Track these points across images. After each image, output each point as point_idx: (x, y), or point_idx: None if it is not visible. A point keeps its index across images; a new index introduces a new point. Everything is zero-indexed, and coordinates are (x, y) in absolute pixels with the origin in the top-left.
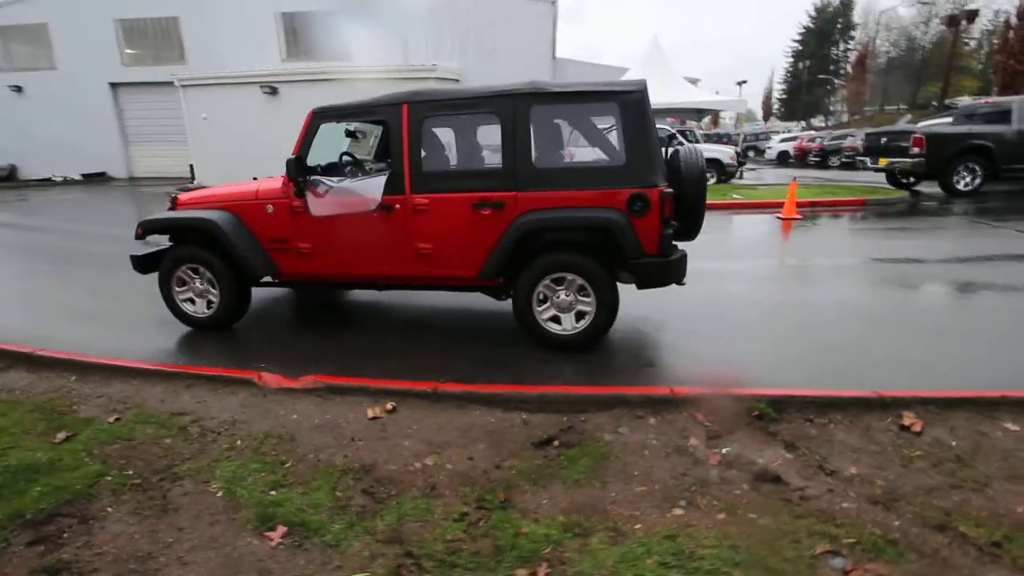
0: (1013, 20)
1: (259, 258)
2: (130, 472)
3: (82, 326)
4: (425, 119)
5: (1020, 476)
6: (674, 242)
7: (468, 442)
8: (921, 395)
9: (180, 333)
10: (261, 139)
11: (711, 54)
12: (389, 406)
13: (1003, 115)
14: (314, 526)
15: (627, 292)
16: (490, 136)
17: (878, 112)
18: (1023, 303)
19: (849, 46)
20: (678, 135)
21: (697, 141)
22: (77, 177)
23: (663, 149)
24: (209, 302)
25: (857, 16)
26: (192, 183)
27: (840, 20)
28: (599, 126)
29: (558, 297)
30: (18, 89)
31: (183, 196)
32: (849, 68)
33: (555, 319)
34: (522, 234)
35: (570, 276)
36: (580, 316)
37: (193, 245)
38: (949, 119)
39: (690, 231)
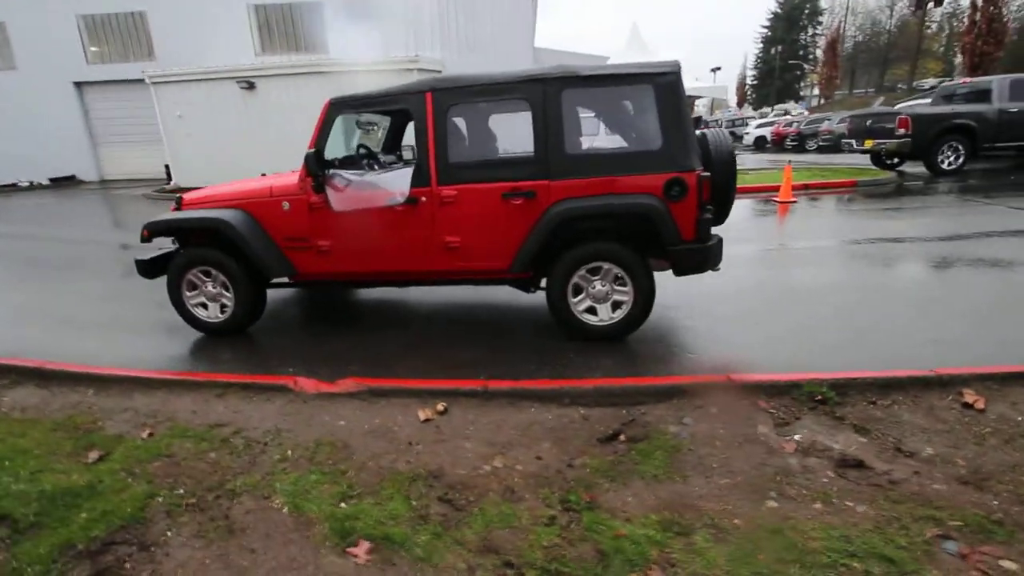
0: (979, 2)
1: (275, 258)
2: (181, 491)
3: (84, 336)
4: (450, 107)
5: None
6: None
7: (531, 441)
8: (978, 372)
9: (191, 340)
10: (240, 135)
11: (685, 41)
12: (440, 407)
13: (983, 95)
14: (399, 539)
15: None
16: (518, 123)
17: (847, 96)
18: (994, 276)
19: (817, 31)
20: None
21: None
22: (45, 182)
23: None
24: (223, 306)
25: (824, 1)
26: (168, 184)
27: (807, 5)
28: (632, 109)
29: (593, 287)
30: None
31: (188, 196)
32: (818, 53)
33: (590, 310)
34: (557, 224)
35: (607, 265)
36: (616, 306)
37: (204, 247)
38: (927, 100)
39: (720, 215)
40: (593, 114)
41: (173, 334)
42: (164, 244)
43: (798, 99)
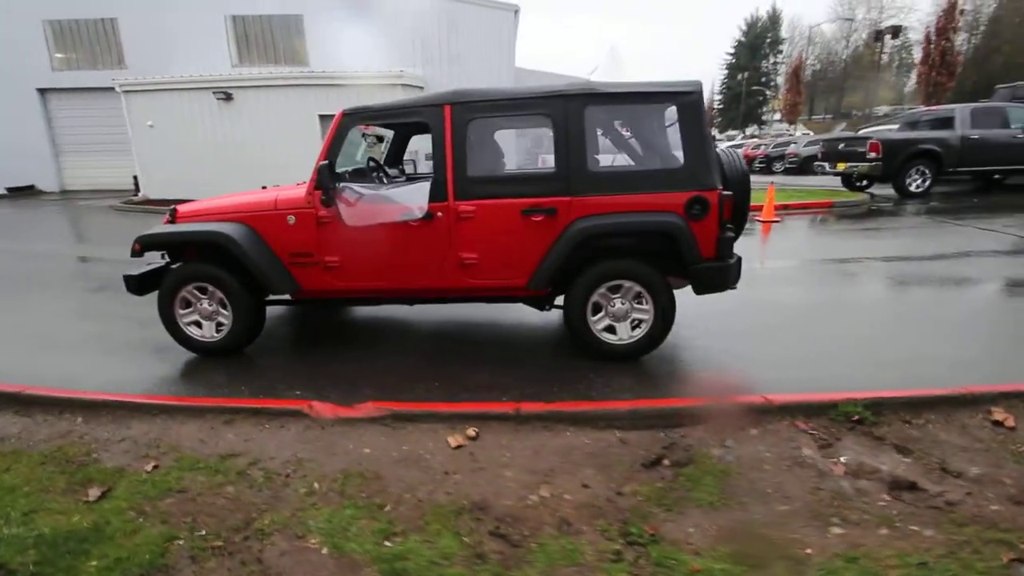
0: (933, 36)
1: (279, 274)
2: (203, 532)
3: (63, 357)
4: (470, 121)
5: None
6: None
7: (573, 467)
8: (1003, 389)
9: (181, 361)
10: (215, 147)
11: (658, 65)
12: (471, 432)
13: (946, 122)
14: None
15: None
16: (537, 138)
17: (807, 121)
18: (1006, 297)
19: (778, 59)
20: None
21: None
22: (1, 191)
23: None
24: (219, 325)
25: (784, 31)
26: (136, 195)
27: (769, 35)
28: (654, 127)
29: (613, 306)
30: None
31: (183, 208)
32: (779, 80)
33: (609, 328)
34: (579, 241)
35: (627, 283)
36: (636, 324)
37: (200, 261)
38: (894, 126)
39: (735, 233)
40: (608, 133)
41: (161, 355)
42: (149, 259)
43: (760, 124)
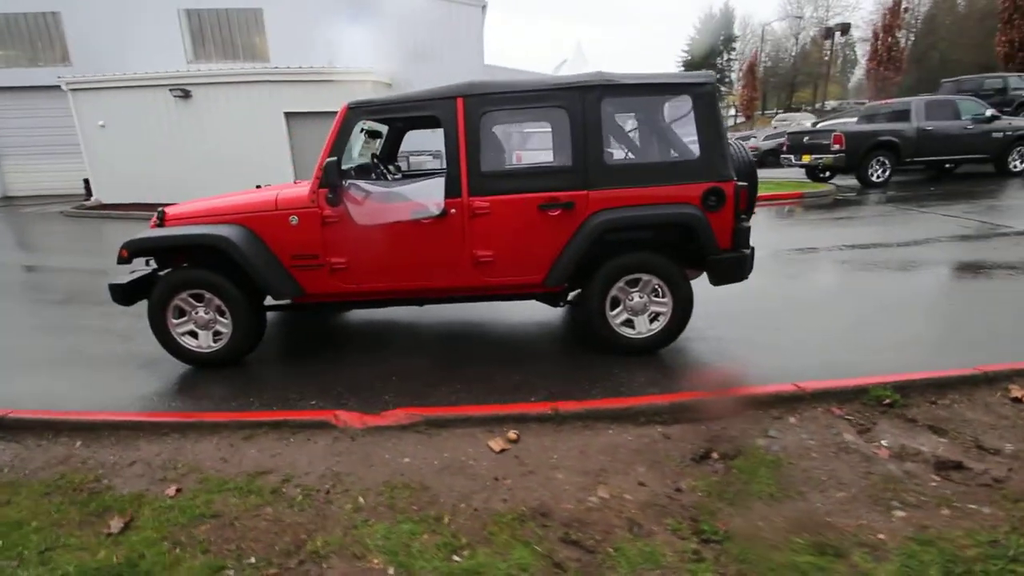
0: (880, 33)
1: (281, 278)
2: (253, 560)
3: (42, 376)
4: (484, 114)
5: None
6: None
7: (624, 466)
8: (1016, 367)
9: (175, 374)
10: (173, 147)
11: (619, 60)
12: (512, 435)
13: (903, 114)
14: None
15: None
16: (552, 131)
17: (761, 115)
18: (986, 280)
19: (731, 57)
20: None
21: None
22: None
23: None
24: (216, 334)
25: (736, 29)
26: (88, 200)
27: (722, 32)
28: (669, 119)
29: (631, 300)
30: None
31: (173, 210)
32: (733, 76)
33: (627, 323)
34: (598, 235)
35: (646, 277)
36: (654, 318)
37: (192, 267)
38: (853, 119)
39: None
40: (631, 123)
41: (152, 369)
42: (131, 267)
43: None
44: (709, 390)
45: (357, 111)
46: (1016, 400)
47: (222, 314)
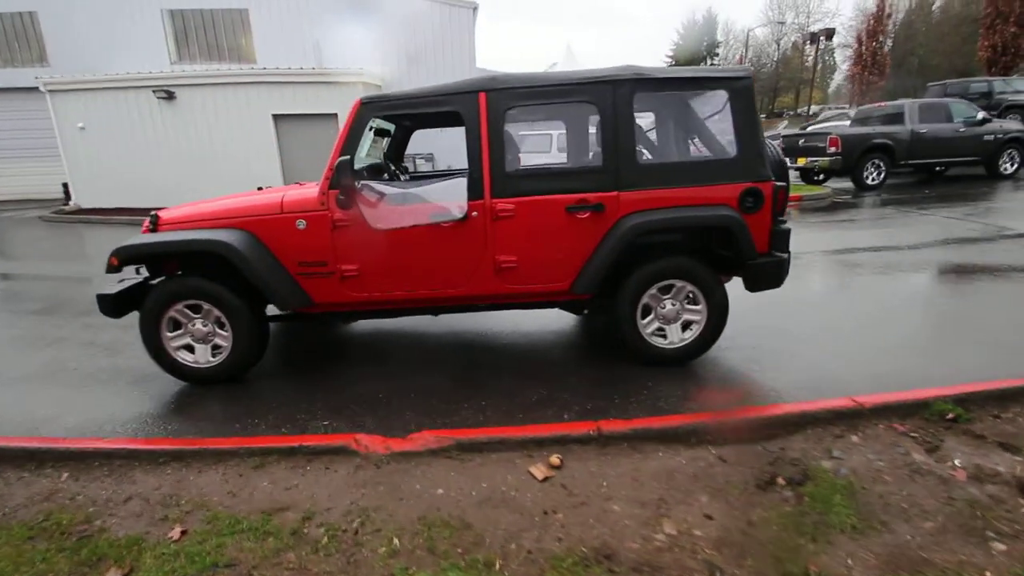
0: (864, 38)
1: (287, 287)
2: None
3: (22, 395)
4: (508, 110)
5: None
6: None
7: (684, 495)
8: None
9: (169, 392)
10: (156, 149)
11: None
12: (555, 460)
13: (897, 117)
14: None
15: None
16: (567, 129)
17: None
18: (1008, 283)
19: (714, 62)
20: None
21: None
22: None
23: None
24: (215, 348)
25: (720, 35)
26: (67, 204)
27: (706, 39)
28: (705, 116)
29: (663, 307)
30: None
31: (167, 214)
32: None
33: (659, 331)
34: (631, 239)
35: (679, 283)
36: (686, 326)
37: (188, 275)
38: (846, 122)
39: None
40: (665, 120)
41: (143, 386)
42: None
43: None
44: (761, 406)
45: (371, 106)
46: None
47: (221, 326)
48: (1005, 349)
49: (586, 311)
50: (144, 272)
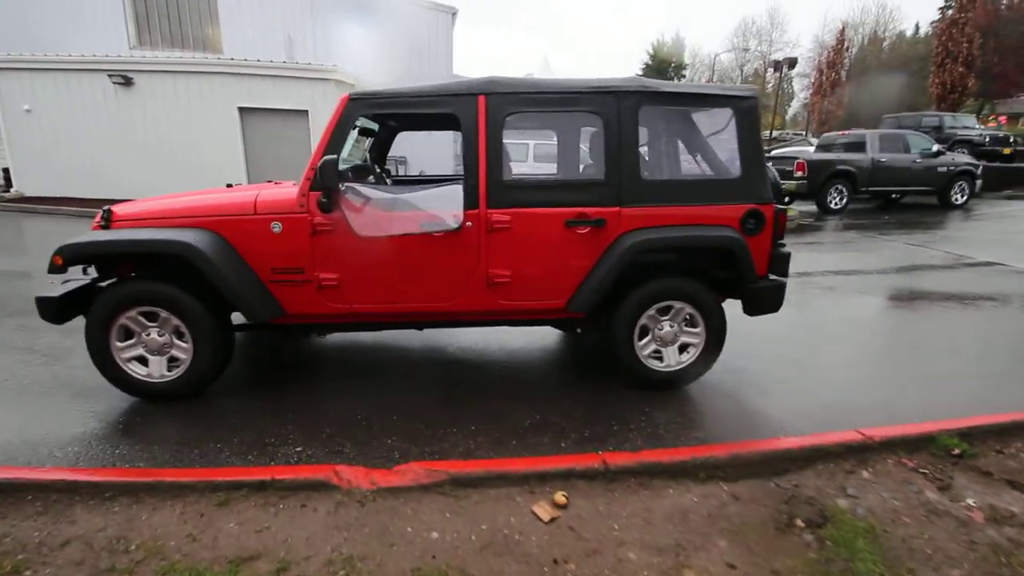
0: (824, 68)
1: (258, 296)
2: None
3: None
4: (508, 115)
5: None
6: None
7: (701, 539)
8: None
9: (117, 409)
10: (111, 138)
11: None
12: (561, 498)
13: (859, 146)
14: None
15: None
16: (575, 140)
17: None
18: (976, 311)
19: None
20: None
21: None
22: None
23: None
24: (172, 360)
25: (687, 57)
26: (8, 192)
27: (673, 60)
28: (709, 133)
29: (661, 329)
30: None
31: (122, 210)
32: None
33: (655, 354)
34: (633, 257)
35: (678, 304)
36: (683, 349)
37: (145, 278)
38: (810, 148)
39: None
40: (668, 136)
41: (87, 401)
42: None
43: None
44: (771, 439)
45: (359, 103)
46: None
47: (180, 336)
48: (993, 377)
49: (579, 330)
50: (93, 273)
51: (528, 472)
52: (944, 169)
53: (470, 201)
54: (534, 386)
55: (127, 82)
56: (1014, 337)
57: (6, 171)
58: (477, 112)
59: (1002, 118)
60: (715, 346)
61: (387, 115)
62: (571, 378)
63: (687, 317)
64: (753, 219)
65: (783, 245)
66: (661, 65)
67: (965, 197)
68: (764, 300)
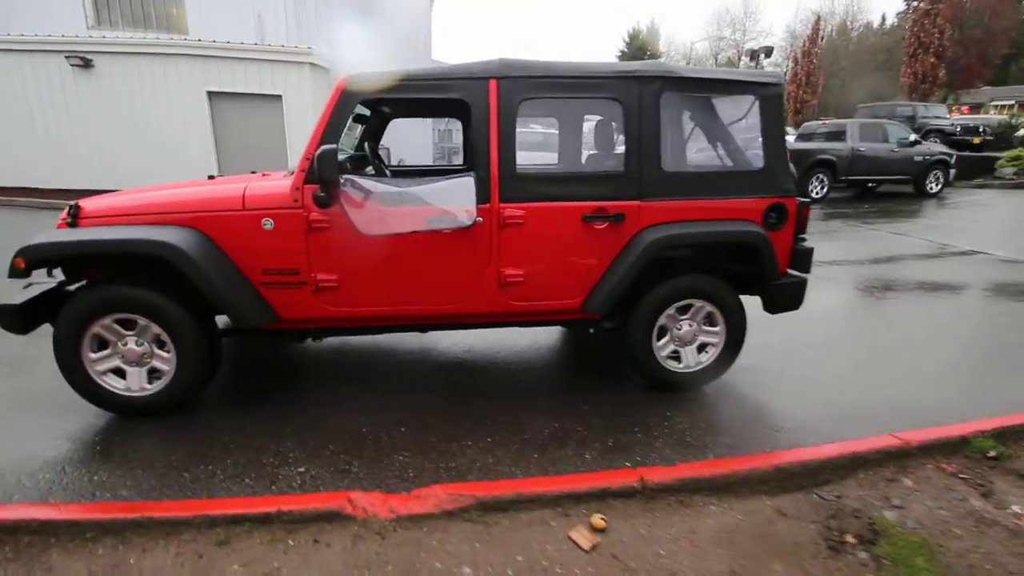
0: (799, 58)
1: (248, 299)
2: None
3: None
4: (522, 101)
5: None
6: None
7: (754, 563)
8: None
9: (93, 426)
10: (69, 125)
11: None
12: (599, 521)
13: (839, 135)
14: None
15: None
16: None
17: None
18: (969, 300)
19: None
20: None
21: None
22: None
23: None
24: (153, 371)
25: (662, 46)
26: None
27: (648, 50)
28: (731, 121)
29: (680, 328)
30: None
31: (90, 205)
32: None
33: (673, 354)
34: (653, 254)
35: (699, 303)
36: (701, 348)
37: (114, 281)
38: (791, 137)
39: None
40: (690, 124)
41: (59, 417)
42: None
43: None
44: (808, 448)
45: (358, 88)
46: None
47: (161, 345)
48: (1012, 371)
49: (592, 329)
50: (59, 275)
51: (561, 493)
52: (920, 158)
53: (481, 195)
54: (546, 390)
55: (86, 64)
56: (1013, 330)
57: None
58: (488, 97)
59: (965, 108)
60: (735, 345)
61: (386, 100)
62: (583, 380)
63: (707, 316)
64: (776, 213)
65: (804, 240)
66: (637, 53)
67: (940, 185)
68: (786, 297)
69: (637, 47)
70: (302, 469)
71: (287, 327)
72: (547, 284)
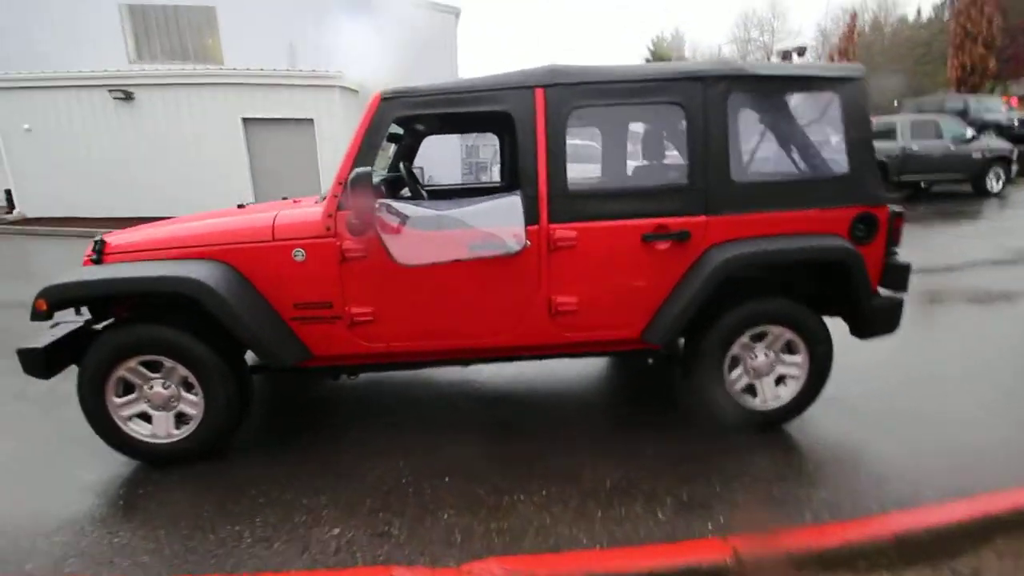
0: (836, 56)
1: (279, 336)
2: None
3: None
4: (572, 111)
5: None
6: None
7: None
8: None
9: (106, 476)
10: (112, 155)
11: None
12: None
13: (889, 133)
14: None
15: None
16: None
17: None
18: None
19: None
20: None
21: None
22: None
23: None
24: (180, 416)
25: (687, 51)
26: (10, 213)
27: (673, 55)
28: (810, 122)
29: (755, 358)
30: None
31: (116, 240)
32: None
33: (748, 388)
34: (724, 275)
35: (776, 330)
36: (779, 381)
37: (143, 320)
38: None
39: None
40: (762, 127)
41: (79, 465)
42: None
43: None
44: (932, 508)
45: (394, 104)
46: None
47: (189, 388)
48: None
49: (651, 360)
50: (85, 313)
51: (639, 574)
52: (979, 155)
53: (529, 216)
54: (602, 430)
55: (127, 97)
56: None
57: (8, 192)
58: (535, 108)
59: (1013, 99)
60: (819, 377)
61: (422, 116)
62: (642, 414)
63: (787, 344)
64: (864, 224)
65: (896, 254)
66: (662, 59)
67: (1001, 184)
68: (879, 320)
69: (660, 55)
70: (337, 531)
71: (320, 364)
72: (602, 312)
